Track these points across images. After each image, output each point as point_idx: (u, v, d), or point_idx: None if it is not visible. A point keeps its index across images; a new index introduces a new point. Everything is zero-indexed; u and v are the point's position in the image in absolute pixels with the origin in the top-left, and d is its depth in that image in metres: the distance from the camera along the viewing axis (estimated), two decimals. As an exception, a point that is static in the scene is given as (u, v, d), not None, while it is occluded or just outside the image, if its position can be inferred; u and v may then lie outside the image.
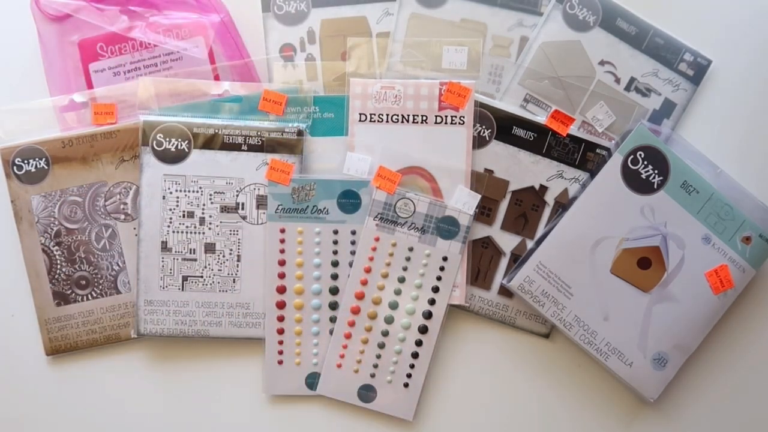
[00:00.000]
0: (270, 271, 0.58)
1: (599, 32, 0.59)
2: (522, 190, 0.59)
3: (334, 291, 0.58)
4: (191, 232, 0.58)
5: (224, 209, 0.58)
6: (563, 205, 0.59)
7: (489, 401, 0.60)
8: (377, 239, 0.58)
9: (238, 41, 0.60)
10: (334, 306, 0.58)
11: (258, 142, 0.58)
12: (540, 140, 0.59)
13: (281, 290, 0.58)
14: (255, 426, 0.59)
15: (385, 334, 0.58)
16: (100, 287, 0.58)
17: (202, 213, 0.58)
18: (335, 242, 0.58)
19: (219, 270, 0.58)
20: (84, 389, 0.59)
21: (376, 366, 0.58)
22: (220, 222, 0.58)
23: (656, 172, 0.57)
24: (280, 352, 0.58)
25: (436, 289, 0.58)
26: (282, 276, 0.58)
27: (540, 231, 0.59)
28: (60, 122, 0.59)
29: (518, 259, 0.59)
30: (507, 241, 0.60)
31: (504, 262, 0.60)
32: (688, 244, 0.57)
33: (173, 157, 0.58)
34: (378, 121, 0.58)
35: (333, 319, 0.58)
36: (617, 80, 0.60)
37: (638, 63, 0.60)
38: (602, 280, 0.57)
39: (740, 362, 0.60)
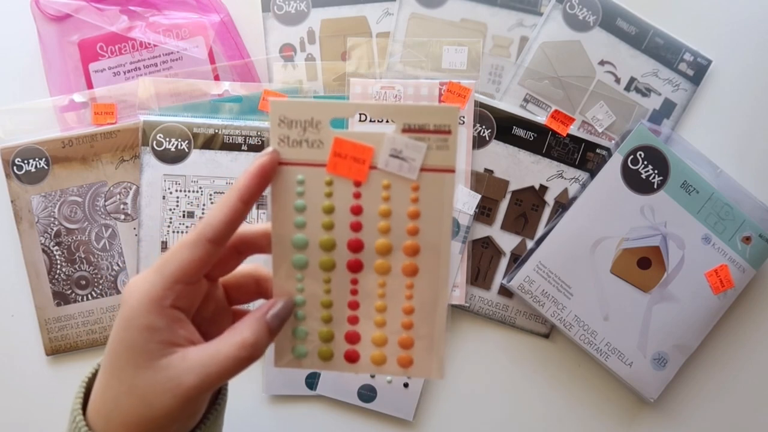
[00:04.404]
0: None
1: (599, 32, 0.59)
2: (522, 190, 0.59)
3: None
4: (191, 232, 0.58)
5: (224, 209, 0.58)
6: (563, 205, 0.59)
7: (489, 401, 0.60)
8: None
9: (238, 41, 0.60)
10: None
11: (258, 142, 0.58)
12: (540, 140, 0.59)
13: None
14: (255, 426, 0.59)
15: (385, 334, 0.58)
16: (100, 287, 0.58)
17: (203, 213, 0.58)
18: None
19: (219, 270, 0.58)
20: (84, 389, 0.59)
21: (376, 366, 0.58)
22: (220, 222, 0.58)
23: (656, 172, 0.57)
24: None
25: (436, 289, 0.58)
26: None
27: (540, 231, 0.59)
28: (60, 122, 0.59)
29: (518, 259, 0.59)
30: (507, 241, 0.60)
31: (504, 262, 0.60)
32: (688, 244, 0.57)
33: (173, 157, 0.58)
34: (378, 121, 0.58)
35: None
36: (617, 80, 0.60)
37: (638, 63, 0.60)
38: (602, 280, 0.57)
39: (740, 362, 0.60)
